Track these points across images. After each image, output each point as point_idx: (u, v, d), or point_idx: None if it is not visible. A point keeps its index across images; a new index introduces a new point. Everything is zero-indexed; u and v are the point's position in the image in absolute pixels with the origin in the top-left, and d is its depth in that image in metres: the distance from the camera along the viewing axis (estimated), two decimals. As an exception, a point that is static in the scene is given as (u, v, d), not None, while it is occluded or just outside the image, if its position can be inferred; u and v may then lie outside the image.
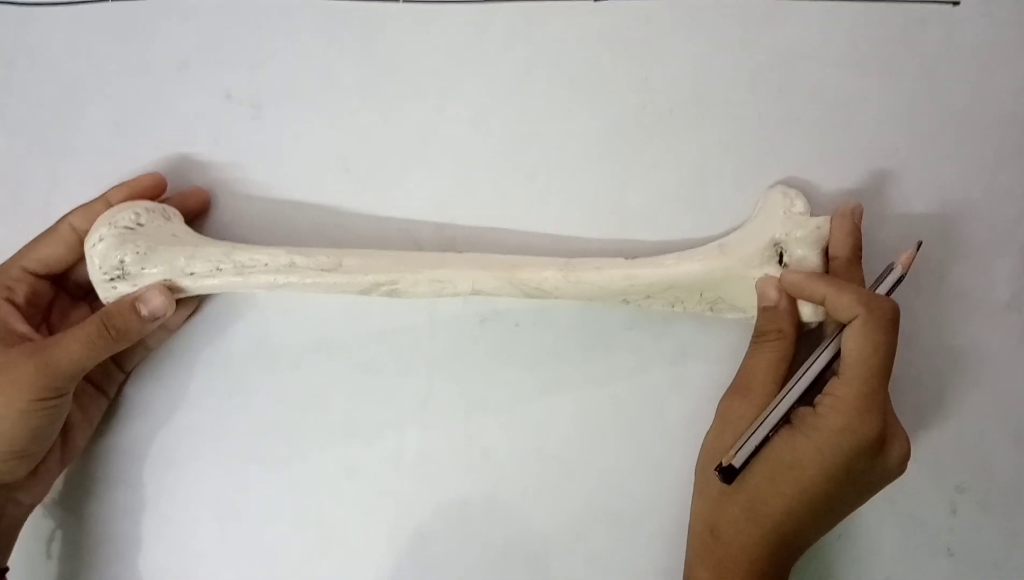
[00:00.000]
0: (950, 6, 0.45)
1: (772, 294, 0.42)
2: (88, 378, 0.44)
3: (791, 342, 0.42)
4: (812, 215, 0.43)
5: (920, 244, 0.42)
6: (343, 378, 0.47)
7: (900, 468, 0.40)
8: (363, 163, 0.47)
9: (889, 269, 0.42)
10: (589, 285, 0.42)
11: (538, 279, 0.42)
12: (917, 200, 0.45)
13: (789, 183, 0.45)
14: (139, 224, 0.42)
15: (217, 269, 0.42)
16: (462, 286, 0.42)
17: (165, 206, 0.44)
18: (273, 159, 0.47)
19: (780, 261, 0.43)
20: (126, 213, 0.42)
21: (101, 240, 0.42)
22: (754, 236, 0.43)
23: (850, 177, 0.45)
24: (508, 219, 0.46)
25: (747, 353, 0.43)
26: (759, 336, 0.43)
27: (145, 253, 0.42)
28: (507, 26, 0.46)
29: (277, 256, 0.42)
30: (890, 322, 0.39)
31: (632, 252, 0.44)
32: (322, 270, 0.42)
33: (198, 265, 0.42)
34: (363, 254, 0.43)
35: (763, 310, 0.43)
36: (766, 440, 0.39)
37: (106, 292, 0.42)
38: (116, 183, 0.45)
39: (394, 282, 0.42)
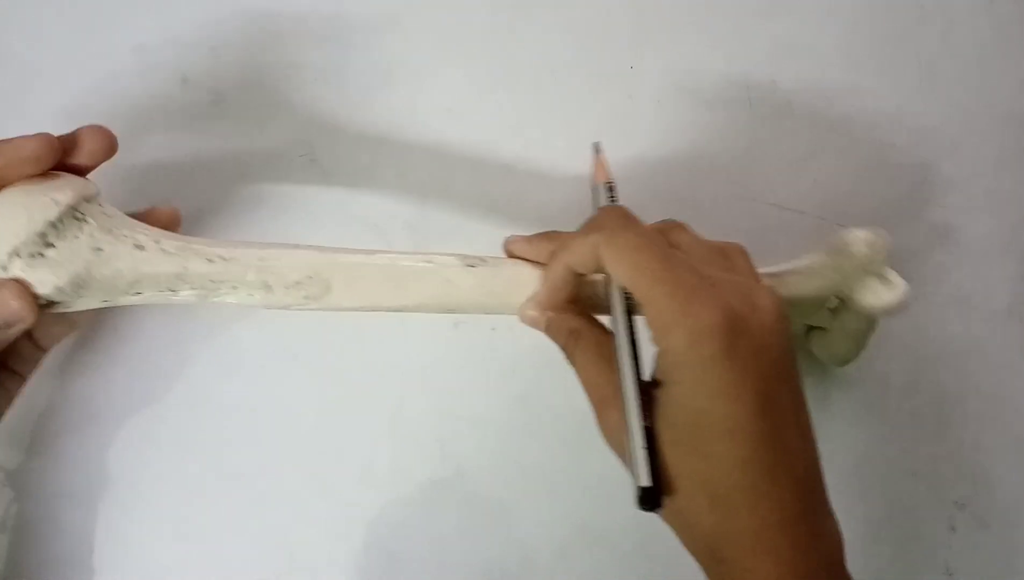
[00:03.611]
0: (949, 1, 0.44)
1: (534, 314, 0.38)
2: None
3: (592, 328, 0.36)
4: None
5: (596, 145, 0.38)
6: (309, 387, 0.44)
7: (775, 320, 0.31)
8: (331, 153, 0.45)
9: (596, 189, 0.38)
10: None
11: None
12: (913, 200, 0.44)
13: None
14: (48, 244, 0.33)
15: (170, 291, 0.36)
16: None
17: (73, 183, 0.35)
18: (234, 147, 0.45)
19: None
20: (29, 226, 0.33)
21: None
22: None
23: (844, 174, 0.44)
24: (485, 216, 0.44)
25: (575, 371, 0.37)
26: (564, 350, 0.37)
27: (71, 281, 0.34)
28: (487, 11, 0.45)
29: (246, 277, 0.36)
30: (624, 219, 0.35)
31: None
32: (305, 298, 0.37)
33: (146, 289, 0.35)
34: (352, 275, 0.37)
35: (546, 330, 0.38)
36: (650, 434, 0.32)
37: None
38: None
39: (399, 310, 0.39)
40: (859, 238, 0.37)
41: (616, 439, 0.34)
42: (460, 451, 0.44)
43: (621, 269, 0.32)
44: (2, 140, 0.34)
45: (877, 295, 0.37)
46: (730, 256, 0.35)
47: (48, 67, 0.45)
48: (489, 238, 0.44)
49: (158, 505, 0.44)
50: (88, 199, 0.35)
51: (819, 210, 0.44)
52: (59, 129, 0.45)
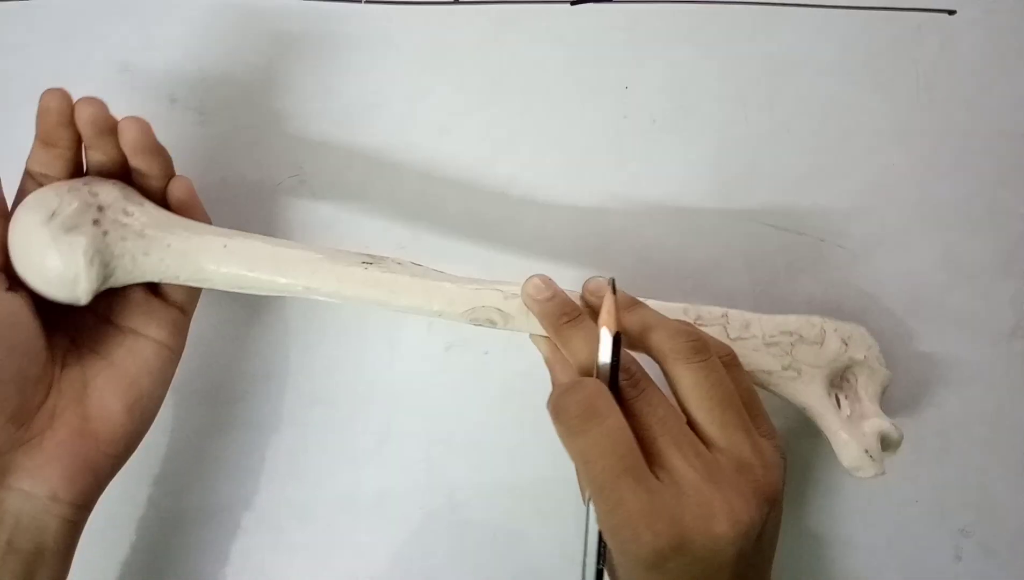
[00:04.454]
0: (946, 15, 0.43)
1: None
2: (130, 313, 0.38)
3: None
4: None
5: (613, 281, 0.36)
6: (292, 410, 0.43)
7: (730, 529, 0.31)
8: (320, 173, 0.44)
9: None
10: None
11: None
12: (913, 218, 0.43)
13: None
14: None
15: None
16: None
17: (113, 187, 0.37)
18: (222, 168, 0.44)
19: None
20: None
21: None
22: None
23: (843, 194, 0.43)
24: (478, 237, 0.43)
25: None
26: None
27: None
28: (477, 30, 0.44)
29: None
30: (596, 410, 0.32)
31: (612, 268, 0.41)
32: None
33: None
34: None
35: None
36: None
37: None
38: None
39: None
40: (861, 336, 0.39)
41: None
42: (451, 476, 0.43)
43: (577, 464, 0.33)
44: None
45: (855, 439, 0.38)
46: (730, 407, 0.34)
47: (33, 86, 0.44)
48: (482, 260, 0.44)
49: (131, 536, 0.43)
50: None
51: (818, 231, 0.43)
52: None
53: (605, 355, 0.33)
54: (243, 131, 0.44)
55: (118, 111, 0.44)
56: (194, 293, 0.40)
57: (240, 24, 0.44)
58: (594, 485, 0.32)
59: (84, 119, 0.36)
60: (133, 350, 0.38)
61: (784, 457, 0.35)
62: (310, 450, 0.43)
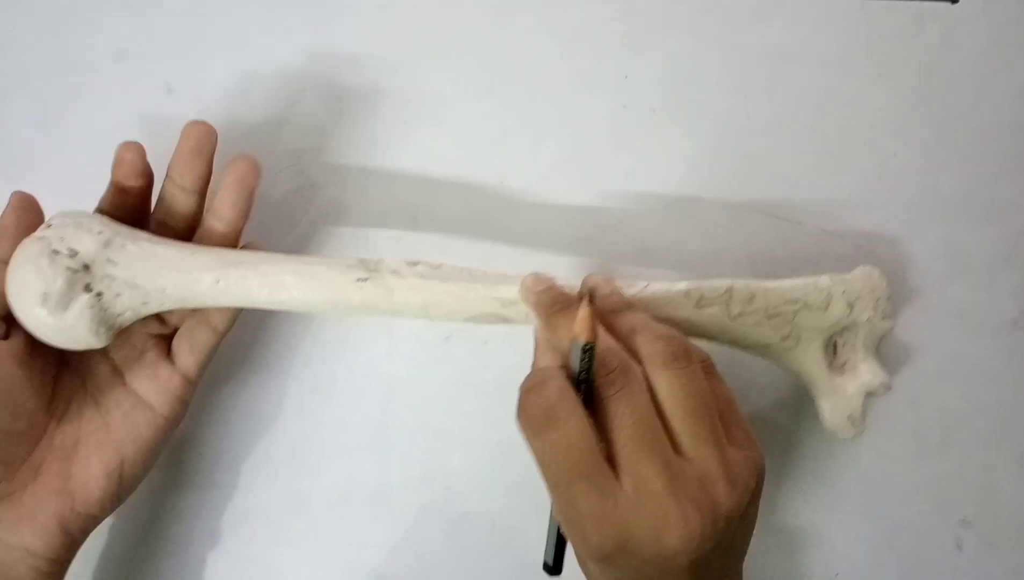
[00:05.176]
0: (948, 4, 0.43)
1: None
2: (122, 381, 0.38)
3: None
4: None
5: (591, 292, 0.36)
6: (290, 400, 0.43)
7: (682, 542, 0.31)
8: (318, 164, 0.44)
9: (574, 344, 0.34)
10: None
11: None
12: (914, 210, 0.43)
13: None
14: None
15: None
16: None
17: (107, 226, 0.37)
18: (217, 158, 0.43)
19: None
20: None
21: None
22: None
23: (844, 185, 0.43)
24: (475, 227, 0.43)
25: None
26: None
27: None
28: (474, 20, 0.44)
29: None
30: (555, 414, 0.32)
31: (611, 260, 0.41)
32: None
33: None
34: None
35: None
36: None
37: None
38: (43, 183, 0.39)
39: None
40: (866, 273, 0.38)
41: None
42: (448, 468, 0.43)
43: (538, 463, 0.33)
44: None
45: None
46: (702, 418, 0.33)
47: (24, 74, 0.44)
48: (480, 250, 0.43)
49: (124, 523, 0.43)
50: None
51: (818, 221, 0.43)
52: (38, 139, 0.44)
53: (576, 363, 0.33)
54: (239, 121, 0.44)
55: (113, 101, 0.44)
56: (203, 361, 0.39)
57: (238, 11, 0.44)
58: (549, 484, 0.33)
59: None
60: (129, 415, 0.38)
61: (761, 466, 0.34)
62: (308, 440, 0.43)
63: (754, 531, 0.35)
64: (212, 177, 0.39)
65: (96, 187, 0.39)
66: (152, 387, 0.38)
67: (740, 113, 0.43)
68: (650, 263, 0.43)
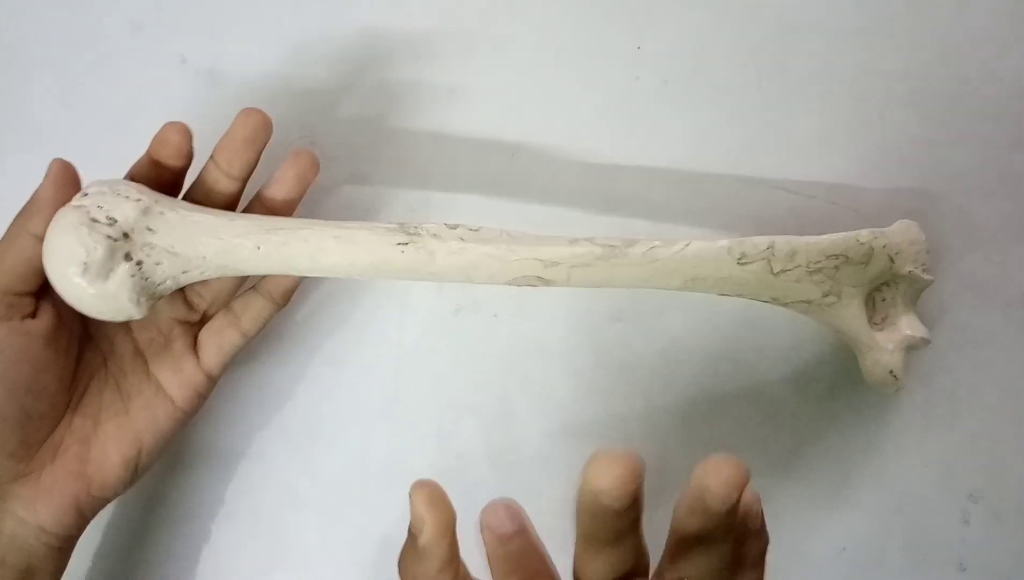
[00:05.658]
0: (964, -25, 0.42)
1: None
2: (140, 366, 0.38)
3: None
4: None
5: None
6: (303, 371, 0.43)
7: None
8: (330, 135, 0.44)
9: None
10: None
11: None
12: (927, 183, 0.43)
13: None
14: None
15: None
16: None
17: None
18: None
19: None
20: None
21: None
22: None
23: (855, 158, 0.43)
24: (487, 199, 0.43)
25: None
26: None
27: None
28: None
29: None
30: None
31: (620, 233, 0.41)
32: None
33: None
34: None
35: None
36: None
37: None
38: (60, 156, 0.40)
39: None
40: (906, 226, 0.38)
41: None
42: (459, 439, 0.43)
43: None
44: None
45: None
46: None
47: (41, 47, 0.45)
48: (494, 221, 0.43)
49: (139, 492, 0.43)
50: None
51: (830, 195, 0.43)
52: (55, 111, 0.44)
53: None
54: (253, 92, 0.44)
55: (128, 72, 0.44)
56: (228, 362, 0.40)
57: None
58: None
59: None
60: (150, 405, 0.38)
61: None
62: (322, 410, 0.43)
63: (760, 505, 0.34)
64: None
65: (115, 158, 0.39)
66: (175, 380, 0.38)
67: (752, 85, 0.43)
68: (661, 234, 0.42)
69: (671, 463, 0.41)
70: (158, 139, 0.37)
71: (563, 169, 0.43)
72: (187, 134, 0.36)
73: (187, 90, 0.44)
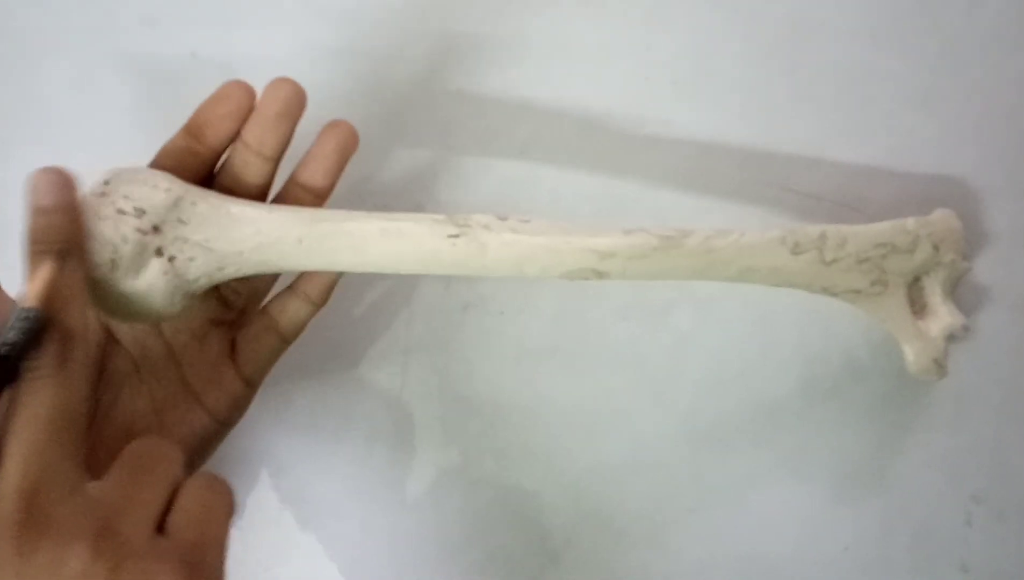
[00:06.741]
0: (974, -23, 0.42)
1: None
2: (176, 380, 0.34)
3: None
4: None
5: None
6: (307, 367, 0.43)
7: None
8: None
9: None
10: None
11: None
12: (935, 184, 0.43)
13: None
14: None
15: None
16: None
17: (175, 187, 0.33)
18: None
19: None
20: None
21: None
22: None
23: (863, 159, 0.43)
24: (492, 200, 0.43)
25: None
26: None
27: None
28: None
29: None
30: None
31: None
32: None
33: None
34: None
35: None
36: None
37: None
38: (72, 149, 0.37)
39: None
40: (946, 215, 0.39)
41: None
42: (465, 436, 0.43)
43: None
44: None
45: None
46: None
47: (52, 41, 0.45)
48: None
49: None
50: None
51: (837, 196, 0.43)
52: (67, 102, 0.45)
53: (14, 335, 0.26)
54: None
55: (139, 65, 0.45)
56: (266, 367, 0.37)
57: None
58: None
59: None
60: (185, 419, 0.34)
61: None
62: (327, 405, 0.43)
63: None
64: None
65: (126, 154, 0.39)
66: (213, 391, 0.35)
67: (761, 86, 0.43)
68: (668, 234, 0.43)
69: (675, 462, 0.42)
70: (217, 96, 0.33)
71: (570, 167, 0.43)
72: (251, 93, 0.33)
73: (197, 84, 0.44)
